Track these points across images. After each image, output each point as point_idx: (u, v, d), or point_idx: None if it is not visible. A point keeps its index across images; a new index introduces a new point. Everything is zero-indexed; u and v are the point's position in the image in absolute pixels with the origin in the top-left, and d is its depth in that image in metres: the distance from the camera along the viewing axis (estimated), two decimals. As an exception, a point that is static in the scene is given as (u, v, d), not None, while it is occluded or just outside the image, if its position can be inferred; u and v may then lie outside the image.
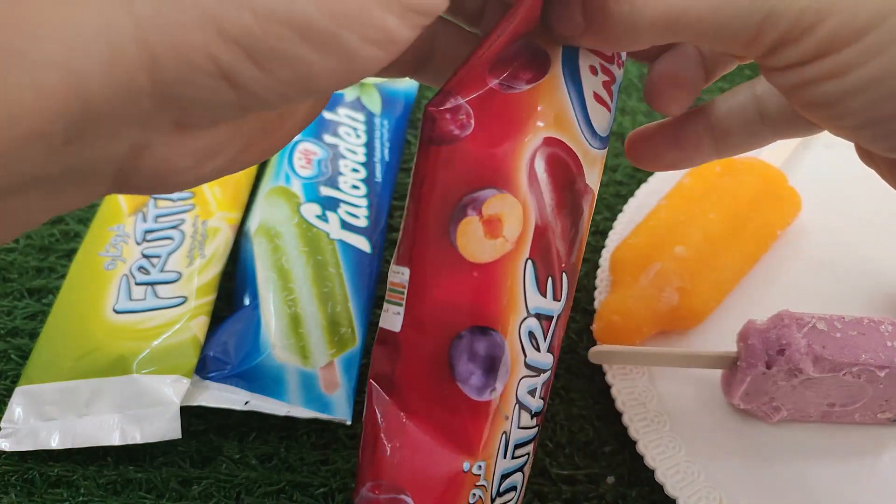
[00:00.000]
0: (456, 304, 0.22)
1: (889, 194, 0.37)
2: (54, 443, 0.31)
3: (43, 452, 0.32)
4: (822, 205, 0.39)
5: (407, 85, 0.47)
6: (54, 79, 0.16)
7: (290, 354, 0.33)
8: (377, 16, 0.17)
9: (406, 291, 0.23)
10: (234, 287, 0.36)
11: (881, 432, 0.32)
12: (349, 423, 0.32)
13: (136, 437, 0.31)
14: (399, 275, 0.23)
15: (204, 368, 0.32)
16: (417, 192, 0.23)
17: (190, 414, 0.33)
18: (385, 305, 0.23)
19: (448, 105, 0.22)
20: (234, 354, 0.33)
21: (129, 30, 0.16)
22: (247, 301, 0.35)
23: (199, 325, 0.34)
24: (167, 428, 0.31)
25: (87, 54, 0.16)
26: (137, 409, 0.31)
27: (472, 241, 0.22)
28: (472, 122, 0.22)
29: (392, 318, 0.23)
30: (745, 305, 0.35)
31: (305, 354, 0.33)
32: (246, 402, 0.31)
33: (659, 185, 0.40)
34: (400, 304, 0.23)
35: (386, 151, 0.42)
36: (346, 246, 0.37)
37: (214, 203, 0.38)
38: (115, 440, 0.31)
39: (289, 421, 0.33)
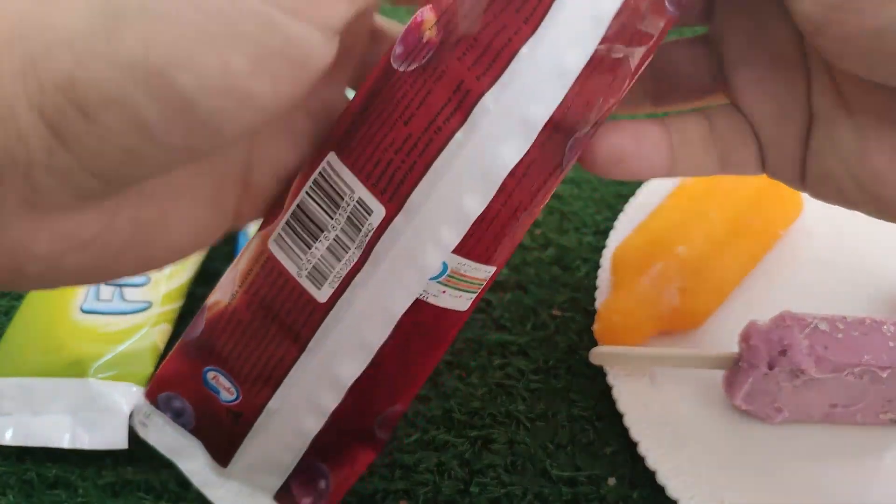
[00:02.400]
0: None
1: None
2: (7, 438, 0.31)
3: (42, 453, 0.32)
4: (825, 205, 0.39)
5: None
6: None
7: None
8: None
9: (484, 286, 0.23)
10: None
11: (883, 433, 0.31)
12: (349, 423, 0.32)
13: (85, 442, 0.31)
14: (479, 271, 0.23)
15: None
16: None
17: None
18: (442, 287, 0.23)
19: None
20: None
21: None
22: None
23: (161, 333, 0.34)
24: (114, 437, 0.31)
25: None
26: (89, 414, 0.31)
27: None
28: None
29: (457, 301, 0.23)
30: (746, 306, 0.35)
31: (305, 355, 0.33)
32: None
33: (660, 185, 0.40)
34: (473, 293, 0.23)
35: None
36: (345, 246, 0.36)
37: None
38: (66, 443, 0.31)
39: (288, 422, 0.33)
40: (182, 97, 0.15)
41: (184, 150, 0.16)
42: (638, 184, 0.41)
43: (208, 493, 0.25)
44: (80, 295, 0.34)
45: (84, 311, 0.34)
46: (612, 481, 0.31)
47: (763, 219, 0.36)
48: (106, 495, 0.31)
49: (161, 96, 0.15)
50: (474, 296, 0.23)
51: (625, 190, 0.42)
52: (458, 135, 0.20)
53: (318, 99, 0.22)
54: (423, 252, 0.21)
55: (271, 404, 0.24)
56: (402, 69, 0.21)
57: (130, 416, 0.31)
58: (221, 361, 0.24)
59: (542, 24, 0.20)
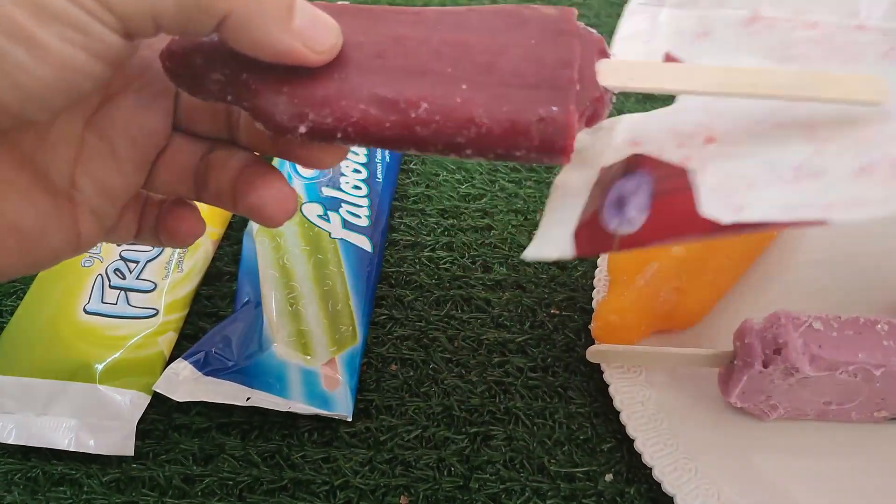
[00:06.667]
0: None
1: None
2: (10, 438, 0.31)
3: (47, 451, 0.32)
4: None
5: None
6: None
7: (292, 352, 0.33)
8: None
9: None
10: (236, 285, 0.37)
11: (877, 430, 0.32)
12: (350, 419, 0.33)
13: (90, 446, 0.31)
14: None
15: (206, 365, 0.32)
16: None
17: (193, 412, 0.33)
18: None
19: None
20: (237, 351, 0.33)
21: None
22: (249, 298, 0.35)
23: (167, 342, 0.34)
24: (121, 444, 0.31)
25: None
26: (95, 419, 0.32)
27: None
28: None
29: None
30: (741, 305, 0.36)
31: (307, 352, 0.33)
32: (248, 399, 0.32)
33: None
34: None
35: (387, 153, 0.42)
36: (347, 245, 0.37)
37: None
38: (70, 445, 0.31)
39: (291, 419, 0.33)
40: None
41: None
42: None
43: None
44: (85, 295, 0.35)
45: (87, 312, 0.34)
46: (608, 477, 0.32)
47: (758, 219, 0.36)
48: (111, 492, 0.31)
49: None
50: None
51: (622, 191, 0.43)
52: None
53: (139, 126, 0.23)
54: None
55: None
56: None
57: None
58: None
59: None
